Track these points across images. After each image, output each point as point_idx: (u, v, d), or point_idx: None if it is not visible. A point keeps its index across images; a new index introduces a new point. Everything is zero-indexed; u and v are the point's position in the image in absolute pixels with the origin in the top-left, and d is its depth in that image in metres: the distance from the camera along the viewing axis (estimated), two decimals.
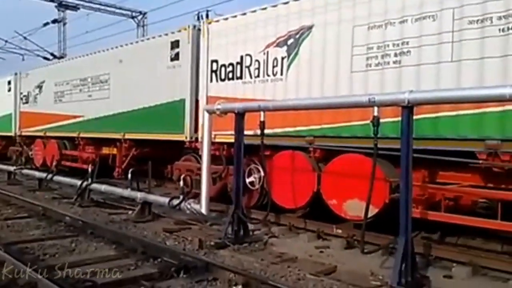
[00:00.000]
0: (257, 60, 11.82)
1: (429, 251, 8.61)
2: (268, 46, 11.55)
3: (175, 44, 14.92)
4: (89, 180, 14.64)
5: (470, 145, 8.22)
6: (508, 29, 7.84)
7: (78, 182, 14.74)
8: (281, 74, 11.17)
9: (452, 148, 8.36)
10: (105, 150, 19.08)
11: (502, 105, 7.75)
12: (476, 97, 6.34)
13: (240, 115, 9.58)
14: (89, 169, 14.79)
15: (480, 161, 8.00)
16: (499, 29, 7.87)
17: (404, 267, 6.74)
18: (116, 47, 18.01)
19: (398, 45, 9.08)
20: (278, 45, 11.30)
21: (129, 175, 13.12)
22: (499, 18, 7.90)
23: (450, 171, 9.08)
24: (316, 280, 7.38)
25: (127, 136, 17.38)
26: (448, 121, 8.43)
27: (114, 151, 18.37)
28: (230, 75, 12.50)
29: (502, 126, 7.89)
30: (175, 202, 11.25)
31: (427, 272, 7.83)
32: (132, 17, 38.47)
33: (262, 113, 9.06)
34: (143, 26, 38.27)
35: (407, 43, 9.00)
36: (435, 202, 8.85)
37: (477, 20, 8.13)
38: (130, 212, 12.78)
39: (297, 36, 10.97)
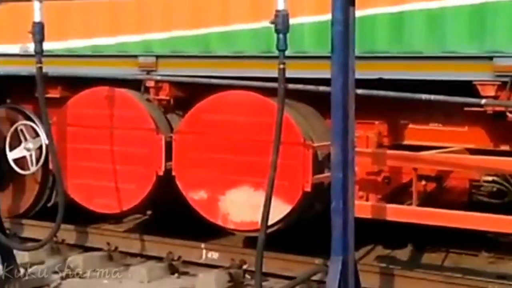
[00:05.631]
0: None
1: (391, 284, 6.28)
2: None
3: None
4: None
5: (460, 70, 6.24)
6: None
7: None
8: None
9: (433, 77, 6.25)
10: None
11: None
12: None
13: None
14: None
15: (483, 101, 5.99)
16: None
17: None
18: None
19: None
20: None
21: None
22: None
23: (427, 122, 6.93)
24: None
25: None
26: (423, 19, 6.26)
27: None
28: None
29: None
30: None
31: None
32: None
33: (37, 2, 5.98)
34: None
35: None
36: (400, 186, 6.72)
37: None
38: None
39: None
